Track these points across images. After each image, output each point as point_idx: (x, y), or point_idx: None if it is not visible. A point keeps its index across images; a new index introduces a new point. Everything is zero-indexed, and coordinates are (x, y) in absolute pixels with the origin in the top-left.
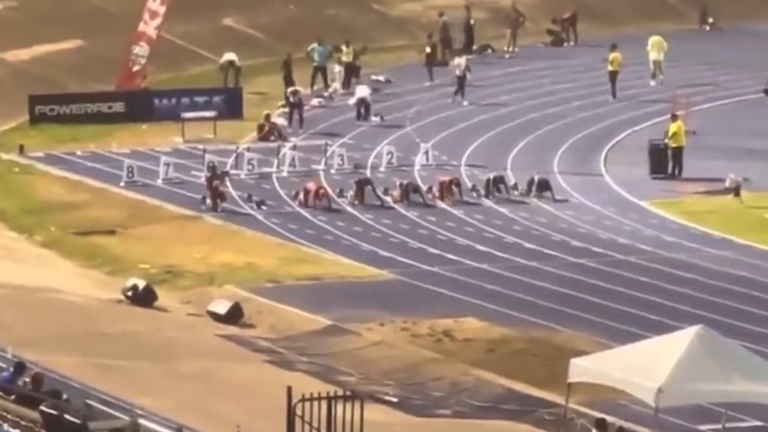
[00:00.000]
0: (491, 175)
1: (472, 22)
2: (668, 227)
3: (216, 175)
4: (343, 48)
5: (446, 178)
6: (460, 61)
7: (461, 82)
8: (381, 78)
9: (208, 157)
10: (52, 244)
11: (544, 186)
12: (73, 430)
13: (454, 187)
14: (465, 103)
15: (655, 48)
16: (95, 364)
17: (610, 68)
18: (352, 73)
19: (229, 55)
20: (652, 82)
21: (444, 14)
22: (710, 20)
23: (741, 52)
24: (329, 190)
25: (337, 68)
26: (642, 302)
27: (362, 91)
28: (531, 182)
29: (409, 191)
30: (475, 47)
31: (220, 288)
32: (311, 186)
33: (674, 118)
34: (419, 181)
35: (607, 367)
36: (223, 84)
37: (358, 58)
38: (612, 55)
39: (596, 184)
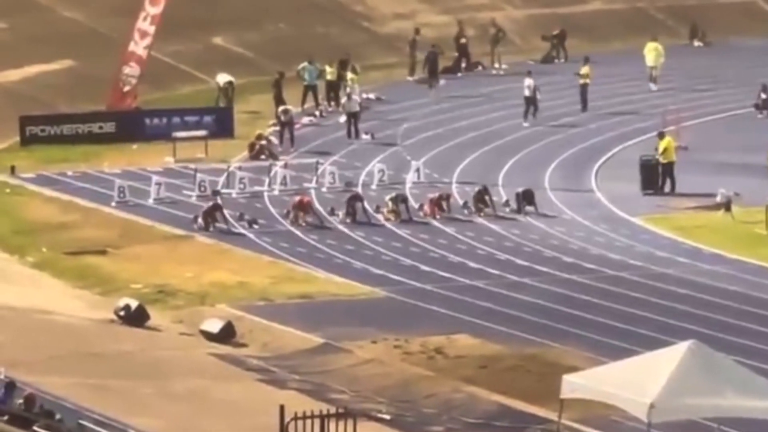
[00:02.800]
0: (476, 189)
1: (463, 40)
2: (659, 243)
3: (216, 205)
4: (327, 68)
5: (436, 195)
6: (529, 82)
7: (530, 102)
8: (372, 96)
9: (199, 176)
10: (44, 265)
11: (528, 197)
12: None
13: (443, 203)
14: (525, 124)
15: (650, 54)
16: (88, 384)
17: (581, 82)
18: (333, 91)
19: (225, 76)
20: (653, 86)
21: (419, 33)
22: (700, 35)
23: (731, 67)
24: (315, 202)
25: (348, 89)
26: (634, 318)
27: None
28: (518, 196)
29: (398, 201)
30: (464, 65)
31: (213, 307)
32: (296, 199)
33: (661, 135)
34: (410, 198)
35: (600, 382)
36: (215, 104)
37: (342, 77)
38: (584, 69)
39: (587, 200)
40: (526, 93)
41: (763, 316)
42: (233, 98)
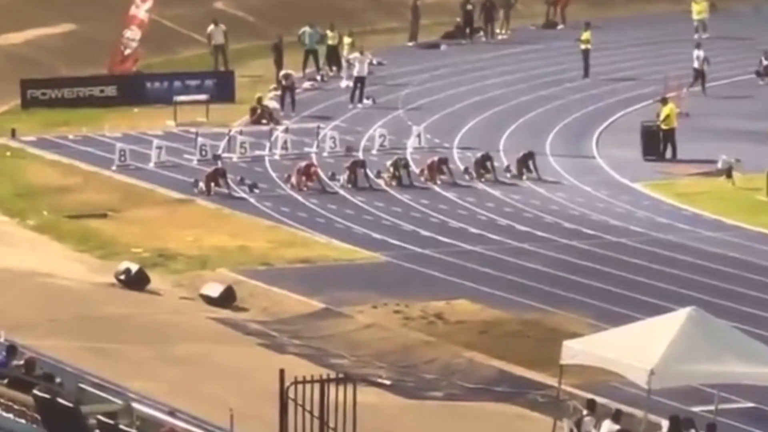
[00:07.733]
0: (478, 155)
1: (469, 7)
2: (660, 209)
3: (219, 170)
4: (328, 32)
5: (435, 159)
6: (699, 53)
7: (699, 75)
8: (373, 61)
9: (200, 140)
10: (45, 228)
11: (528, 158)
12: (65, 414)
13: (444, 167)
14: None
15: (696, 8)
16: (88, 347)
17: (583, 47)
18: (334, 57)
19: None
20: (704, 35)
21: None
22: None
23: (733, 34)
24: (320, 172)
25: (353, 55)
26: (634, 284)
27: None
28: (519, 161)
29: (400, 166)
30: (468, 31)
31: (213, 271)
32: (302, 165)
33: (664, 101)
34: (411, 163)
35: (600, 349)
36: (214, 63)
37: (341, 42)
38: (585, 35)
39: (588, 166)
40: (695, 65)
41: (763, 283)
42: (222, 58)
